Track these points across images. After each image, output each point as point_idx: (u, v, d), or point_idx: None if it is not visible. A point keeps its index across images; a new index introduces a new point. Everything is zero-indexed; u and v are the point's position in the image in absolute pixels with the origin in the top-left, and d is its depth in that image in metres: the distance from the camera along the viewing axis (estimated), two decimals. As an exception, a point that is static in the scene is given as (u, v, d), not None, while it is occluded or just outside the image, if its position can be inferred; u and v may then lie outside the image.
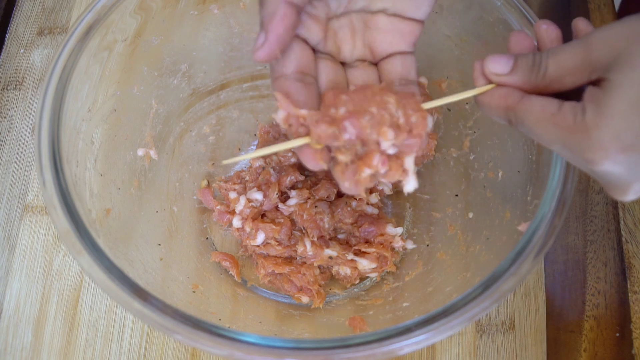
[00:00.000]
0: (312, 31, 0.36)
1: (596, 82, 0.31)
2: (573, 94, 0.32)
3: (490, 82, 0.35)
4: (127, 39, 0.49)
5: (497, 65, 0.34)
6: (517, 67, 0.34)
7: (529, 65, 0.33)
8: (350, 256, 0.51)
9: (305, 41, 0.36)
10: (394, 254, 0.52)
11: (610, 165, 0.30)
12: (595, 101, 0.30)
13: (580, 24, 0.35)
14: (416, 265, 0.52)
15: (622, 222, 0.53)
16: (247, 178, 0.55)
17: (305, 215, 0.51)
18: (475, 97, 0.35)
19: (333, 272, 0.53)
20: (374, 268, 0.51)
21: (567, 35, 0.35)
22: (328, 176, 0.54)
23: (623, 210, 0.53)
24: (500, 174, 0.49)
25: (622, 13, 0.63)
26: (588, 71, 0.31)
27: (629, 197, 0.32)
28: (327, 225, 0.51)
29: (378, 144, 0.33)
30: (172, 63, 0.54)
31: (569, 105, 0.31)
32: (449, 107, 0.56)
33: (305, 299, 0.51)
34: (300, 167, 0.55)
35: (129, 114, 0.51)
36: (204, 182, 0.57)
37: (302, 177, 0.54)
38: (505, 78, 0.34)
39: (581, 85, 0.32)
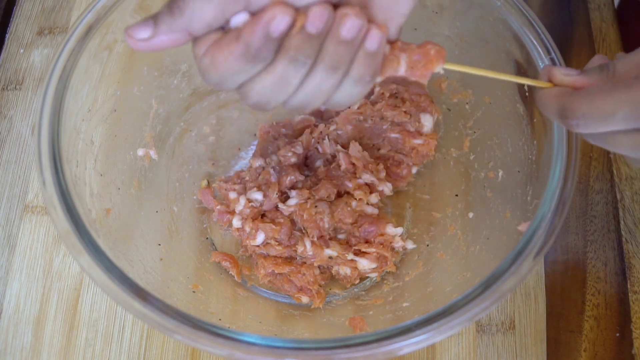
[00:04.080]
0: None
1: None
2: None
3: (551, 82, 0.35)
4: (127, 39, 0.49)
5: (568, 71, 0.35)
6: (586, 71, 0.34)
7: (598, 69, 0.34)
8: (350, 256, 0.51)
9: None
10: (394, 254, 0.52)
11: None
12: None
13: None
14: (416, 265, 0.52)
15: (622, 222, 0.53)
16: (247, 178, 0.55)
17: (305, 215, 0.51)
18: (533, 91, 0.36)
19: (333, 272, 0.53)
20: (374, 268, 0.51)
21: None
22: (328, 176, 0.54)
23: (623, 210, 0.53)
24: (500, 174, 0.49)
25: (621, 12, 0.63)
26: None
27: None
28: (327, 225, 0.51)
29: None
30: (172, 63, 0.54)
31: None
32: (449, 107, 0.56)
33: (305, 299, 0.51)
34: (300, 167, 0.55)
35: (129, 114, 0.51)
36: (204, 182, 0.57)
37: (302, 177, 0.54)
38: (574, 77, 0.35)
39: None
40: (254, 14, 0.32)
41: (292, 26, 0.31)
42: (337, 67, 0.33)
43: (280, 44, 0.32)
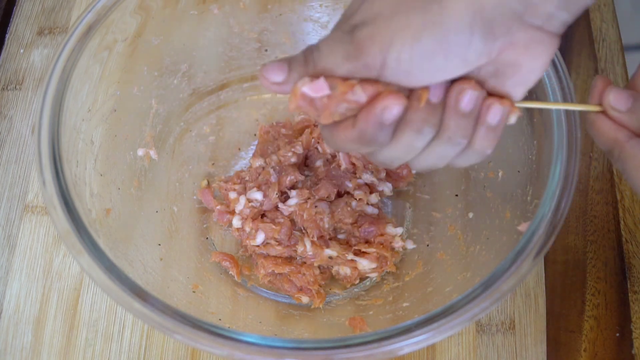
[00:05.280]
0: None
1: None
2: None
3: (601, 105, 0.35)
4: (127, 39, 0.49)
5: (618, 100, 0.34)
6: (635, 109, 0.33)
7: None
8: (350, 256, 0.51)
9: None
10: (394, 254, 0.52)
11: None
12: None
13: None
14: (416, 265, 0.52)
15: (622, 222, 0.53)
16: (247, 178, 0.55)
17: (305, 215, 0.51)
18: (585, 115, 0.36)
19: (333, 272, 0.53)
20: (374, 268, 0.51)
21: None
22: (328, 176, 0.54)
23: (623, 210, 0.53)
24: (500, 174, 0.49)
25: None
26: None
27: None
28: (327, 225, 0.51)
29: None
30: (172, 63, 0.54)
31: None
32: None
33: (305, 299, 0.51)
34: (300, 167, 0.55)
35: (129, 114, 0.51)
36: (204, 182, 0.57)
37: (302, 177, 0.54)
38: (619, 115, 0.34)
39: None
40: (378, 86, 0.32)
41: (410, 102, 0.32)
42: (459, 141, 0.33)
43: (396, 127, 0.32)
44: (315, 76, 0.32)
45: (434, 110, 0.32)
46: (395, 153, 0.34)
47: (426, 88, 0.31)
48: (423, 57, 0.30)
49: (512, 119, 0.34)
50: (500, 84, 0.33)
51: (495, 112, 0.32)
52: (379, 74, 0.31)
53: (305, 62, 0.33)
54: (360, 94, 0.32)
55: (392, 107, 0.31)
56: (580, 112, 0.38)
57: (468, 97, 0.32)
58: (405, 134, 0.32)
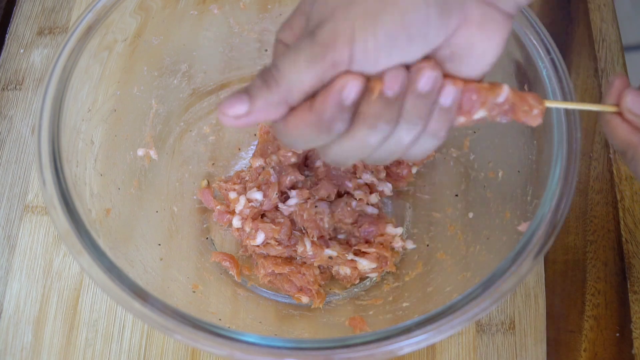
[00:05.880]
0: None
1: None
2: None
3: (618, 106, 0.34)
4: (127, 39, 0.49)
5: (636, 103, 0.33)
6: None
7: None
8: (350, 256, 0.51)
9: None
10: (394, 254, 0.52)
11: None
12: None
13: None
14: (416, 265, 0.52)
15: (622, 222, 0.53)
16: (247, 178, 0.55)
17: (305, 215, 0.51)
18: (600, 113, 0.35)
19: (333, 272, 0.53)
20: (374, 268, 0.51)
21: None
22: (328, 176, 0.54)
23: (623, 210, 0.53)
24: (500, 174, 0.49)
25: None
26: None
27: None
28: (327, 225, 0.51)
29: None
30: (172, 63, 0.54)
31: None
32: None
33: (305, 299, 0.51)
34: (300, 167, 0.55)
35: (129, 114, 0.51)
36: (204, 182, 0.57)
37: (302, 177, 0.54)
38: (636, 118, 0.34)
39: None
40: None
41: (365, 93, 0.31)
42: (416, 123, 0.32)
43: (354, 112, 0.31)
44: (281, 98, 0.31)
45: (390, 105, 0.31)
46: (349, 149, 0.33)
47: (379, 80, 0.30)
48: (387, 41, 0.30)
49: (480, 114, 0.34)
50: (456, 68, 0.32)
51: (448, 94, 0.32)
52: (348, 69, 0.30)
53: (266, 84, 0.31)
54: None
55: (352, 85, 0.30)
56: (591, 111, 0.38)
57: (426, 77, 0.31)
58: (359, 129, 0.31)
